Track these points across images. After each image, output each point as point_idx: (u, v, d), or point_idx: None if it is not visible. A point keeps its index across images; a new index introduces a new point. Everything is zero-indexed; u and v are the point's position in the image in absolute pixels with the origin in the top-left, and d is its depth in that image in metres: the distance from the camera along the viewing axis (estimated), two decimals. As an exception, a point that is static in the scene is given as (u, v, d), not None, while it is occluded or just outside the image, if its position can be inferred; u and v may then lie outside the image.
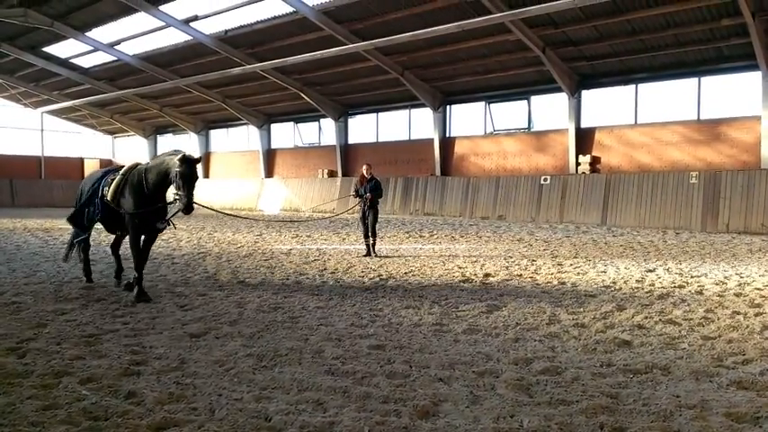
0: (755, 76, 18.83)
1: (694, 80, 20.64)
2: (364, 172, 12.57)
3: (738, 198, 18.53)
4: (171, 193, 7.42)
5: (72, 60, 31.43)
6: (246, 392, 4.18)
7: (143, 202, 7.43)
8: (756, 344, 5.49)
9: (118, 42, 28.23)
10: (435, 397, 4.11)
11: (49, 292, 7.94)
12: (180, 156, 7.12)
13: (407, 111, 28.79)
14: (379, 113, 30.00)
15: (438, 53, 23.31)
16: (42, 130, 41.54)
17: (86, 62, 31.46)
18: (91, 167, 43.94)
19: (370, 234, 12.22)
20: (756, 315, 6.66)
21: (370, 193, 12.29)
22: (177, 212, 7.61)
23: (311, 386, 4.32)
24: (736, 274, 9.78)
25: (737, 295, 7.87)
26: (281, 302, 7.38)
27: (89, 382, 4.37)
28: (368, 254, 12.16)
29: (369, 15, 21.71)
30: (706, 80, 20.47)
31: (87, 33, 27.38)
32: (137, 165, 7.87)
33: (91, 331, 5.86)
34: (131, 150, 43.77)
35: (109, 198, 7.69)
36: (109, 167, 8.47)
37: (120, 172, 7.85)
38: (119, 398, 4.09)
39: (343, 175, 30.64)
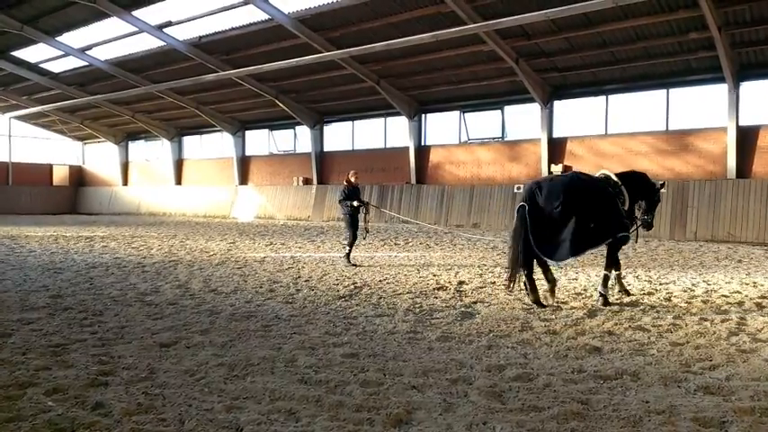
0: (722, 89, 19.33)
1: (663, 92, 21.11)
2: (353, 179, 12.39)
3: (705, 207, 18.97)
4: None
5: (42, 65, 30.83)
6: (217, 403, 4.13)
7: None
8: (723, 350, 5.61)
9: (89, 47, 27.79)
10: (409, 405, 4.10)
11: (14, 301, 7.74)
12: (661, 182, 8.48)
13: (383, 119, 28.87)
14: (355, 121, 30.03)
15: (413, 62, 23.47)
16: (10, 136, 40.64)
17: (56, 67, 30.89)
18: (60, 174, 43.16)
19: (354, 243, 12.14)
20: (723, 321, 6.81)
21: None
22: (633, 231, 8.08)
23: (284, 395, 4.28)
24: (704, 281, 9.99)
25: (705, 302, 8.03)
26: (254, 311, 7.31)
27: (55, 394, 4.26)
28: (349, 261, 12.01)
29: (345, 24, 21.77)
30: (674, 92, 20.95)
31: (58, 38, 26.90)
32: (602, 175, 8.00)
33: (57, 341, 5.73)
34: (102, 157, 43.13)
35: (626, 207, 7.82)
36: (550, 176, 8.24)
37: (608, 181, 7.80)
38: (85, 409, 4.00)
39: (319, 182, 30.56)
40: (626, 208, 7.69)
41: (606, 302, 7.58)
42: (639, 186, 8.03)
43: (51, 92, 33.66)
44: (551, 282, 7.74)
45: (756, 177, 18.85)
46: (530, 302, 7.63)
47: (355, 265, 11.74)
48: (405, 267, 11.69)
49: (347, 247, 12.05)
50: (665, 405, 4.12)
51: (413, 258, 13.43)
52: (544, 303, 7.59)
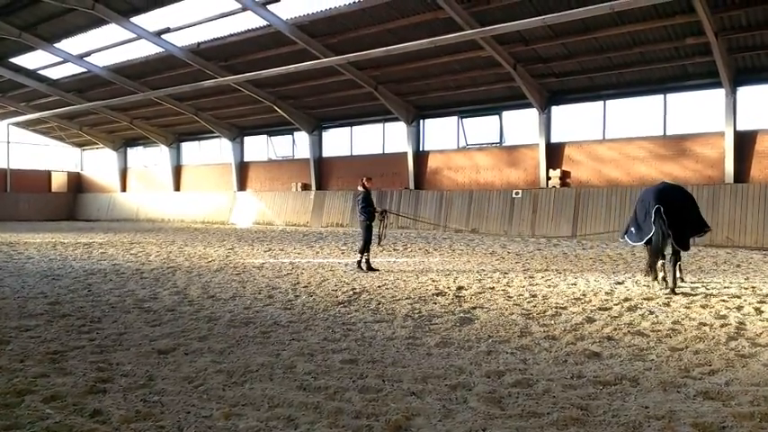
0: (719, 94, 19.39)
1: (660, 97, 21.16)
2: (368, 184, 12.56)
3: (703, 212, 18.83)
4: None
5: (40, 71, 30.86)
6: (216, 410, 4.11)
7: None
8: (722, 354, 5.60)
9: (88, 54, 27.83)
10: (408, 411, 4.09)
11: (12, 308, 7.72)
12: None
13: (381, 124, 28.91)
14: (353, 127, 30.07)
15: (411, 68, 23.52)
16: (8, 143, 40.63)
17: (55, 73, 30.92)
18: (58, 180, 43.15)
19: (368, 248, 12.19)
20: (722, 326, 6.81)
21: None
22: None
23: (282, 402, 4.27)
24: (703, 286, 10.00)
25: (703, 307, 8.03)
26: (253, 317, 7.30)
27: (53, 401, 4.25)
28: (371, 267, 12.04)
29: (343, 30, 21.83)
30: (671, 97, 21.00)
31: (56, 44, 26.95)
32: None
33: (56, 348, 5.71)
34: (100, 163, 43.13)
35: None
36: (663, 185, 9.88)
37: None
38: (84, 416, 3.99)
39: (317, 188, 30.57)
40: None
41: (675, 287, 9.32)
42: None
43: (50, 98, 33.69)
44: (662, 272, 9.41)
45: (754, 182, 18.89)
46: (661, 288, 9.19)
47: (375, 269, 11.96)
48: (403, 273, 11.69)
49: (363, 254, 12.07)
50: (664, 410, 4.12)
51: (411, 264, 13.43)
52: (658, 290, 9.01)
